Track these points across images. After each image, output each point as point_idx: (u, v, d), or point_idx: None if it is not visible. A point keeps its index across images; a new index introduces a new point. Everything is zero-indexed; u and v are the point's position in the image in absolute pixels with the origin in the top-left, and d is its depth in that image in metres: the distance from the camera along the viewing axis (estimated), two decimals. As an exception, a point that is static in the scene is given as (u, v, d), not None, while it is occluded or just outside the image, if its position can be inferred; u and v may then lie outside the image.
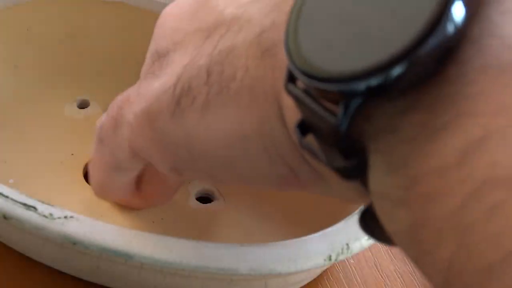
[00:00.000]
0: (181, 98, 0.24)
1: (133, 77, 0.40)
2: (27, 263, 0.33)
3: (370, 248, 0.35)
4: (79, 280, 0.32)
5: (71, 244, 0.29)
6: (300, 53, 0.19)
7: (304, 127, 0.20)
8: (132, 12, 0.39)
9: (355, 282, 0.35)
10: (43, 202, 0.29)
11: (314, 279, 0.34)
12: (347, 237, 0.30)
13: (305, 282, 0.33)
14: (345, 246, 0.30)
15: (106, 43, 0.40)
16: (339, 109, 0.18)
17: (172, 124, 0.24)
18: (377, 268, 0.35)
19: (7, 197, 0.29)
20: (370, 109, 0.18)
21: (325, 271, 0.34)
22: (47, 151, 0.37)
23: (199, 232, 0.34)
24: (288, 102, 0.21)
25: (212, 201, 0.36)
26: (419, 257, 0.17)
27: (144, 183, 0.32)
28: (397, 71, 0.17)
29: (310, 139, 0.20)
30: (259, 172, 0.23)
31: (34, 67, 0.39)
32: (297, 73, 0.19)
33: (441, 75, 0.17)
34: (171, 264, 0.29)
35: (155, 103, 0.25)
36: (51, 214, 0.29)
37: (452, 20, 0.16)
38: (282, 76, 0.21)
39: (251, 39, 0.22)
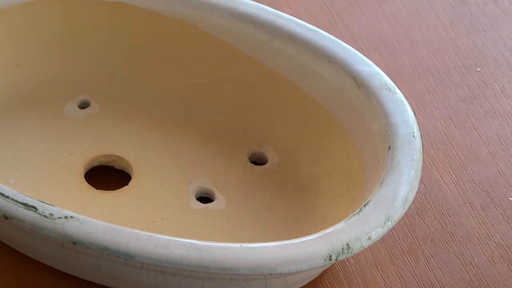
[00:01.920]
0: None
1: (134, 77, 0.40)
2: (28, 263, 0.33)
3: (370, 248, 0.35)
4: (80, 279, 0.33)
5: (72, 244, 0.29)
6: None
7: None
8: (133, 12, 0.39)
9: (355, 282, 0.35)
10: (43, 202, 0.29)
11: (314, 279, 0.34)
12: (348, 237, 0.30)
13: (306, 282, 0.34)
14: (346, 246, 0.30)
15: (106, 43, 0.40)
16: None
17: None
18: (377, 268, 0.35)
19: (7, 197, 0.29)
20: None
21: (325, 271, 0.35)
22: (47, 151, 0.37)
23: (200, 232, 0.34)
24: None
25: (213, 201, 0.36)
26: None
27: None
28: None
29: None
30: None
31: (35, 66, 0.39)
32: None
33: None
34: (171, 264, 0.29)
35: None
36: (51, 214, 0.29)
37: None
38: None
39: None
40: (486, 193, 0.38)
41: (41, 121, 0.38)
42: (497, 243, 0.37)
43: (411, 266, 0.35)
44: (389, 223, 0.31)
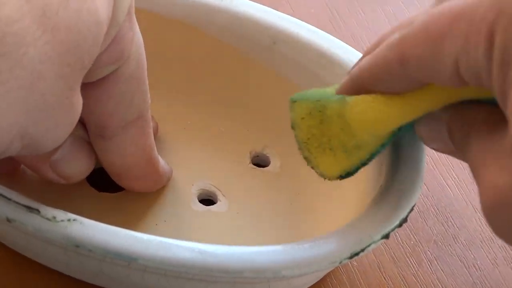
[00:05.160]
0: None
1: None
2: (30, 266, 0.33)
3: (373, 250, 0.35)
4: (82, 282, 0.32)
5: (74, 246, 0.29)
6: None
7: None
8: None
9: (358, 284, 0.35)
10: (46, 205, 0.29)
11: (317, 282, 0.34)
12: (351, 240, 0.30)
13: (309, 285, 0.33)
14: (349, 249, 0.30)
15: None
16: None
17: None
18: (380, 271, 0.35)
19: (10, 199, 0.29)
20: None
21: (328, 274, 0.34)
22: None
23: (202, 234, 0.34)
24: None
25: (215, 203, 0.36)
26: None
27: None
28: None
29: None
30: None
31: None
32: None
33: None
34: (174, 267, 0.29)
35: None
36: (54, 217, 0.29)
37: None
38: None
39: None
40: (489, 195, 0.38)
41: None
42: (500, 245, 0.37)
43: (414, 268, 0.35)
44: (392, 226, 0.31)
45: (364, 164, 0.29)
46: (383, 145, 0.29)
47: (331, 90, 0.29)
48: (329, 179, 0.30)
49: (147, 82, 0.32)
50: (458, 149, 0.27)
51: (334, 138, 0.29)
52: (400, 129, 0.28)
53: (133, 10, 0.30)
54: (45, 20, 0.25)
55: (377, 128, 0.28)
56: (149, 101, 0.32)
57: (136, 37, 0.30)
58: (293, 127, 0.30)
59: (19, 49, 0.24)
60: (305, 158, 0.30)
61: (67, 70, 0.26)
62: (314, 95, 0.29)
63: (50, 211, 0.29)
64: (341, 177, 0.30)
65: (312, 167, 0.30)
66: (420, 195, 0.33)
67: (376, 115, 0.27)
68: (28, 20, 0.24)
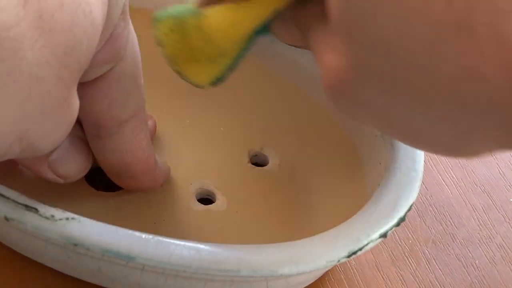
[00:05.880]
0: None
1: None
2: (28, 265, 0.33)
3: (371, 250, 0.35)
4: (81, 281, 0.32)
5: (73, 245, 0.29)
6: None
7: None
8: (131, 12, 0.39)
9: (356, 283, 0.35)
10: (44, 204, 0.29)
11: (316, 281, 0.34)
12: (349, 239, 0.30)
13: (307, 284, 0.33)
14: (347, 248, 0.30)
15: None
16: None
17: None
18: (378, 270, 0.35)
19: (8, 198, 0.29)
20: None
21: (326, 273, 0.34)
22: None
23: (201, 233, 0.34)
24: None
25: (214, 202, 0.36)
26: None
27: None
28: None
29: None
30: None
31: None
32: None
33: None
34: (172, 265, 0.29)
35: None
36: (52, 216, 0.29)
37: None
38: None
39: None
40: (487, 195, 0.38)
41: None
42: (498, 244, 0.37)
43: (412, 267, 0.35)
44: (391, 225, 0.31)
45: (230, 68, 0.31)
46: (245, 49, 0.30)
47: (190, 6, 0.30)
48: (202, 87, 0.32)
49: (142, 80, 0.32)
50: (306, 41, 0.28)
51: (198, 50, 0.30)
52: (256, 32, 0.30)
53: (127, 10, 0.30)
54: (42, 24, 0.25)
55: (233, 34, 0.29)
56: (145, 100, 0.32)
57: (131, 36, 0.31)
58: (159, 45, 0.31)
59: (17, 54, 0.24)
60: (176, 71, 0.32)
61: (64, 72, 0.26)
62: (174, 12, 0.30)
63: (48, 210, 0.29)
64: (213, 83, 0.31)
65: (184, 79, 0.32)
66: (419, 194, 0.33)
67: (229, 21, 0.29)
68: (25, 25, 0.24)
